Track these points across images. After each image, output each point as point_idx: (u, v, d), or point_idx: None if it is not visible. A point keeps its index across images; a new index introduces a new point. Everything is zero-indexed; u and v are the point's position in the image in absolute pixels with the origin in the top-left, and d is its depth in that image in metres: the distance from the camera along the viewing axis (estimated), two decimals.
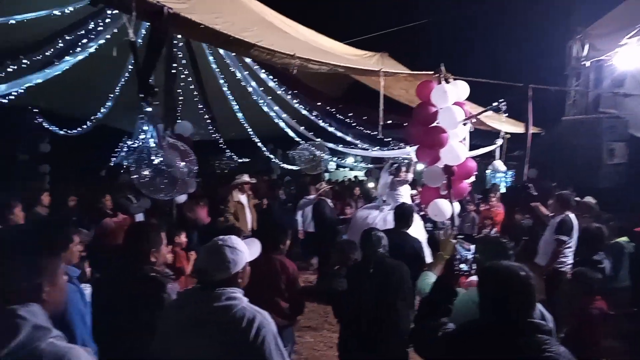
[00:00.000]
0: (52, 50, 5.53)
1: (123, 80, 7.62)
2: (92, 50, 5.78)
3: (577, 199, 6.29)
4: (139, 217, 6.42)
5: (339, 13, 16.65)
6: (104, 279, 3.08)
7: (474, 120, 5.30)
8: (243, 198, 7.21)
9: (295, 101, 8.53)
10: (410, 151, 7.03)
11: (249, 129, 10.05)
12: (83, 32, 5.55)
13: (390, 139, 8.83)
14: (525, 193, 7.75)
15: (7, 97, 6.03)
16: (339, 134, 9.30)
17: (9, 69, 5.31)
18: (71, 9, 4.72)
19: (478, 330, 1.99)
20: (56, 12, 4.76)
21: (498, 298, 1.96)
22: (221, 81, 8.39)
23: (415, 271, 3.52)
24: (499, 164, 8.57)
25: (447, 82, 5.02)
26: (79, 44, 5.67)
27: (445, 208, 5.00)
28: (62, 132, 9.91)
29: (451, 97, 4.87)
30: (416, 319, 2.40)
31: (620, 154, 9.27)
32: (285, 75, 7.47)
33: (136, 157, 5.26)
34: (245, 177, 7.36)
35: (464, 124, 5.05)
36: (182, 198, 6.13)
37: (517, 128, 8.79)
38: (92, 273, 4.07)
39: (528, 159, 7.85)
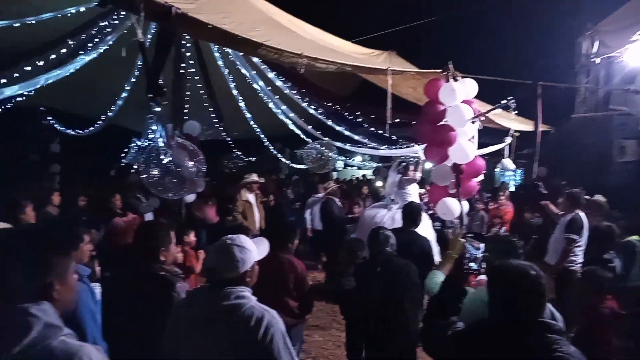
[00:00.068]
0: (62, 51, 5.57)
1: (132, 80, 7.67)
2: (101, 50, 5.82)
3: (587, 197, 6.24)
4: (148, 216, 6.46)
5: (347, 11, 16.63)
6: (114, 278, 3.11)
7: (482, 118, 5.27)
8: (251, 197, 7.23)
9: (303, 100, 8.54)
10: (418, 150, 7.01)
11: (257, 129, 10.07)
12: (92, 33, 5.59)
13: (398, 137, 8.81)
14: (535, 191, 7.69)
15: (18, 98, 6.09)
16: (347, 132, 9.29)
17: (20, 71, 5.36)
18: (81, 9, 4.76)
19: (487, 329, 1.98)
20: (65, 14, 4.79)
21: (507, 297, 1.95)
22: (229, 81, 8.42)
23: (423, 270, 3.50)
24: (508, 162, 8.52)
25: (456, 80, 5.00)
26: (89, 44, 5.70)
27: (454, 207, 4.99)
28: (72, 133, 9.99)
29: (459, 95, 4.86)
30: (425, 318, 2.39)
31: (631, 151, 9.20)
32: (293, 74, 7.48)
33: (145, 157, 5.29)
34: (254, 177, 7.38)
35: (473, 122, 5.03)
36: (190, 197, 6.16)
37: (526, 126, 8.74)
38: (102, 272, 4.10)
39: (537, 157, 7.81)
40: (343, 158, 12.31)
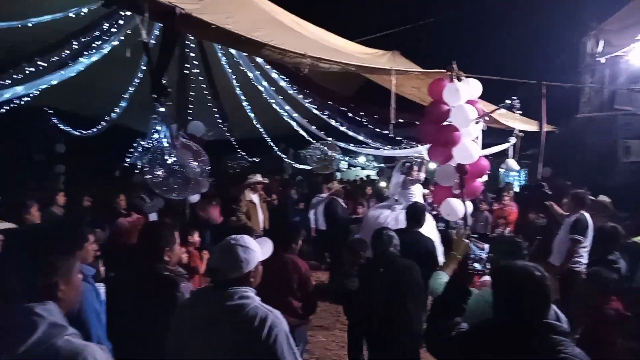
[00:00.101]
0: (67, 52, 5.60)
1: (136, 80, 7.69)
2: (105, 51, 5.84)
3: (592, 197, 6.21)
4: (153, 216, 6.49)
5: (350, 11, 16.60)
6: (118, 278, 3.12)
7: (486, 118, 5.25)
8: (255, 197, 7.24)
9: (306, 100, 8.53)
10: (422, 150, 7.01)
11: (261, 129, 10.08)
12: (97, 33, 5.61)
13: (402, 137, 8.79)
14: (540, 192, 7.66)
15: (23, 99, 6.12)
16: (351, 133, 9.29)
17: (25, 71, 5.39)
18: (85, 10, 4.77)
19: (492, 330, 1.97)
20: (71, 15, 4.81)
21: (512, 298, 1.94)
22: (233, 81, 8.42)
23: (427, 271, 3.49)
24: (512, 162, 8.48)
25: (460, 80, 4.99)
26: (93, 45, 5.72)
27: (458, 207, 4.97)
28: (76, 133, 10.03)
29: (464, 95, 4.85)
30: (429, 318, 2.39)
31: (636, 151, 9.15)
32: (296, 74, 7.48)
33: (150, 157, 5.30)
34: (258, 177, 7.40)
35: (477, 122, 5.02)
36: (194, 198, 6.18)
37: (530, 126, 8.70)
38: (106, 272, 4.11)
39: (542, 158, 7.77)
40: (347, 158, 12.28)
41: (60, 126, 10.08)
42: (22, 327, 1.40)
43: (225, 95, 8.72)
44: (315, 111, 8.71)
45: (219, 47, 7.50)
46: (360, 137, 9.23)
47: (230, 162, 14.49)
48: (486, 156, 5.61)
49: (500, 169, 11.19)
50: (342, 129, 9.11)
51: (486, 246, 2.55)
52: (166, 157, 4.87)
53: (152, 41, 5.76)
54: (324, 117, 8.82)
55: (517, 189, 10.75)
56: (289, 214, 9.26)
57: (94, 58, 5.92)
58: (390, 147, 8.75)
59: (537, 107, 7.99)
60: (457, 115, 4.85)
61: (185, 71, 6.08)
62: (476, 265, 2.42)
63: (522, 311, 1.90)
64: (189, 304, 2.38)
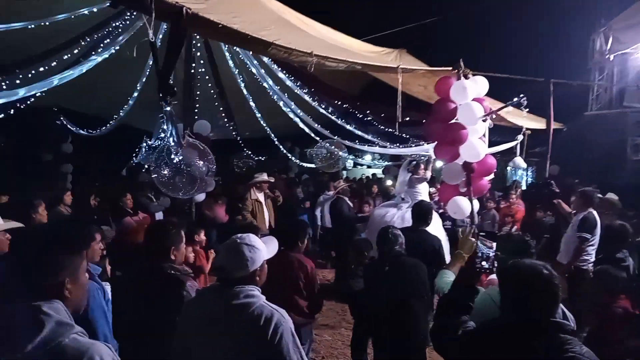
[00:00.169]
0: (74, 52, 5.63)
1: (143, 80, 7.72)
2: (113, 51, 5.87)
3: (600, 195, 6.17)
4: (159, 215, 6.52)
5: (356, 10, 16.58)
6: (125, 276, 3.13)
7: (493, 116, 5.23)
8: (261, 196, 7.25)
9: (313, 99, 8.54)
10: (428, 148, 6.99)
11: (267, 128, 10.10)
12: (104, 33, 5.63)
13: (408, 136, 8.78)
14: (547, 190, 7.62)
15: (30, 99, 6.16)
16: (357, 131, 9.28)
17: (33, 71, 5.42)
18: (93, 10, 4.79)
19: (499, 329, 1.96)
20: (77, 15, 4.83)
21: (520, 297, 1.93)
22: (239, 80, 8.44)
23: (434, 270, 3.49)
24: (519, 160, 8.45)
25: (467, 77, 4.98)
26: (100, 45, 5.75)
27: (465, 206, 4.96)
28: (84, 133, 10.09)
29: (471, 93, 4.83)
30: (436, 316, 2.38)
31: None
32: (303, 73, 7.48)
33: (156, 157, 5.32)
34: (265, 176, 7.40)
35: (484, 120, 5.00)
36: (201, 197, 6.20)
37: (538, 124, 8.66)
38: (113, 271, 4.14)
39: (550, 155, 7.73)
40: (353, 157, 12.27)
41: (68, 126, 10.14)
42: (29, 326, 1.41)
43: (231, 95, 8.74)
44: (322, 110, 8.71)
45: (226, 46, 7.51)
46: (367, 136, 9.23)
47: (236, 161, 14.51)
48: (493, 154, 5.60)
49: (507, 167, 11.15)
50: (349, 127, 9.11)
51: (494, 244, 2.53)
52: (172, 157, 4.89)
53: (159, 41, 5.78)
54: (330, 115, 8.82)
55: (524, 187, 10.69)
56: (295, 213, 9.26)
57: (102, 58, 5.95)
58: (396, 145, 8.74)
59: (546, 104, 7.95)
60: (464, 113, 4.83)
61: (191, 70, 6.10)
62: (484, 263, 2.40)
63: (529, 310, 1.89)
64: (195, 302, 2.39)
